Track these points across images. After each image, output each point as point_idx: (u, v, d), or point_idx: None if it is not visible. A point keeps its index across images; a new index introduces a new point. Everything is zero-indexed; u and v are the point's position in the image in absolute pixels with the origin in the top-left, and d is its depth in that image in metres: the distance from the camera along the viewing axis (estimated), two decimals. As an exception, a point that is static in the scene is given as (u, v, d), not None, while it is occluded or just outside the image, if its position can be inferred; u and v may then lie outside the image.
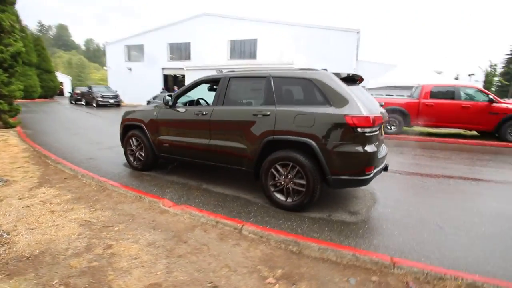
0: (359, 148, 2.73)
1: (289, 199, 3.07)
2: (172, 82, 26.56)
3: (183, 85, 20.94)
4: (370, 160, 2.76)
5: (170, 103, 3.88)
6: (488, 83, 23.15)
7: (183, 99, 4.45)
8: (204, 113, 3.58)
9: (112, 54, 26.81)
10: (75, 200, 3.08)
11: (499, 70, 27.77)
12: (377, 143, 2.95)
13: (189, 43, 23.07)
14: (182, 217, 2.72)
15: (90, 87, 19.65)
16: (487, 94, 8.10)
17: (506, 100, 8.42)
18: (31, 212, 2.70)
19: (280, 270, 1.93)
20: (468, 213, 3.11)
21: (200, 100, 4.60)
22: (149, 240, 2.25)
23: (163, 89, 18.24)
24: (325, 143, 2.77)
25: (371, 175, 2.83)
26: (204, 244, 2.23)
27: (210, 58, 21.31)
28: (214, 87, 4.63)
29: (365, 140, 2.74)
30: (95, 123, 11.05)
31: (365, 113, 2.71)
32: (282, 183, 3.08)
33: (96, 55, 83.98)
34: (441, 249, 2.31)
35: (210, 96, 4.12)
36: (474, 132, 9.17)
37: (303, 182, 2.94)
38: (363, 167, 2.75)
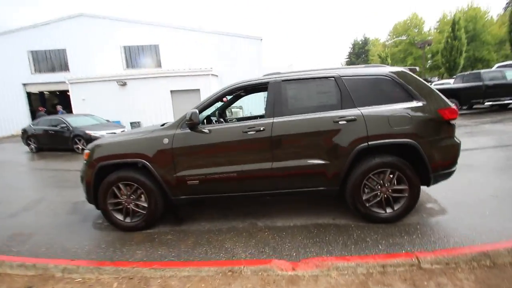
0: (454, 140, 2.72)
1: (388, 210, 2.72)
2: (39, 101, 20.14)
3: (57, 104, 16.13)
4: (459, 150, 2.79)
5: (196, 122, 2.70)
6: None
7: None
8: (261, 129, 2.69)
9: None
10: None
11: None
12: None
13: (63, 50, 18.21)
14: (328, 277, 1.88)
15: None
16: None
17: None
18: None
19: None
20: None
21: (212, 118, 3.52)
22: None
23: (40, 110, 13.39)
24: (425, 140, 2.60)
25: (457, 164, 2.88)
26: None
27: (99, 67, 17.49)
28: (242, 94, 3.72)
29: (454, 131, 2.75)
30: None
31: (451, 104, 2.71)
32: (379, 194, 2.70)
33: None
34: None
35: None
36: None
37: (403, 187, 2.67)
38: (457, 158, 2.75)
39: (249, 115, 17.49)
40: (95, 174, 2.89)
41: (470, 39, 31.80)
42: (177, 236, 2.77)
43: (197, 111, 2.71)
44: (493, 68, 13.97)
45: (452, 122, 2.69)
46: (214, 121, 3.68)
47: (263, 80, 2.90)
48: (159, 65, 18.29)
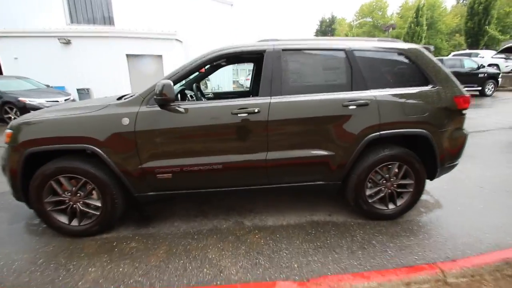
0: (463, 132, 2.49)
1: (391, 206, 2.47)
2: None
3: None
4: (466, 142, 2.59)
5: (170, 98, 2.01)
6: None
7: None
8: (255, 110, 2.12)
9: None
10: None
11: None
12: None
13: (-19, -7, 14.47)
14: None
15: None
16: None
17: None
18: None
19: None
20: None
21: (187, 92, 2.79)
22: None
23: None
24: (437, 131, 2.32)
25: (459, 156, 2.70)
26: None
27: (35, 20, 14.40)
28: (223, 64, 3.00)
29: (464, 121, 2.51)
30: None
31: (465, 92, 2.44)
32: (383, 189, 2.42)
33: None
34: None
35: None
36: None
37: (409, 182, 2.41)
38: (462, 150, 2.55)
39: (218, 90, 16.52)
40: (23, 163, 2.08)
41: (428, 26, 33.67)
42: (144, 244, 2.18)
43: (171, 83, 2.01)
44: (450, 56, 14.89)
45: (464, 112, 2.44)
46: (189, 96, 2.97)
47: (258, 48, 2.27)
48: (111, 23, 15.75)
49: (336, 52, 2.29)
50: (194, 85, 2.71)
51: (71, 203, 2.20)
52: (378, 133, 2.22)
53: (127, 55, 13.31)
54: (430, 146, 2.32)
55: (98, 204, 2.20)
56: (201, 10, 16.39)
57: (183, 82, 2.96)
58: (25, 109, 7.54)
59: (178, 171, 2.16)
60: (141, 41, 13.26)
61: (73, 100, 8.97)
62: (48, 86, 9.95)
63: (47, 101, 8.11)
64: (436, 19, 37.18)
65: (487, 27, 19.40)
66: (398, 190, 2.45)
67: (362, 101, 2.20)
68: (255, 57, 3.38)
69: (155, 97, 2.02)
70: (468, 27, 20.67)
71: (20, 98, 7.79)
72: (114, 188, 2.17)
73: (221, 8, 16.78)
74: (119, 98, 2.42)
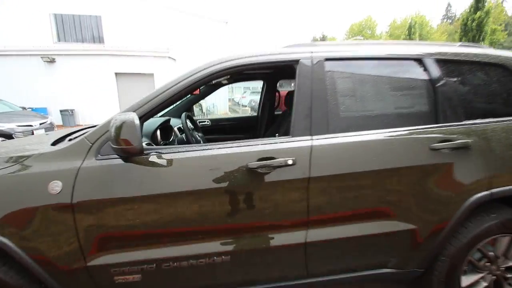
0: None
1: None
2: None
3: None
4: None
5: (137, 149, 1.11)
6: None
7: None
8: (288, 162, 1.22)
9: None
10: None
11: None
12: None
13: (-37, 11, 13.76)
14: None
15: None
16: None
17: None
18: None
19: None
20: None
21: (173, 123, 1.89)
22: None
23: None
24: None
25: None
26: None
27: (21, 38, 13.65)
28: (224, 82, 2.19)
29: None
30: None
31: None
32: (485, 276, 1.51)
33: None
34: None
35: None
36: None
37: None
38: None
39: (213, 109, 15.69)
40: None
41: (418, 44, 34.48)
42: None
43: (136, 120, 1.11)
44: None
45: None
46: (176, 130, 2.05)
47: (287, 56, 1.40)
48: (101, 41, 15.11)
49: (408, 63, 1.45)
50: (184, 114, 1.82)
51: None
52: (488, 191, 1.35)
53: (116, 74, 12.55)
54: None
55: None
56: (195, 27, 16.00)
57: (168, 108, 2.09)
58: (-10, 135, 6.53)
59: (153, 269, 1.23)
60: (131, 59, 12.57)
61: (51, 124, 8.00)
62: (24, 108, 8.98)
63: (19, 126, 7.13)
64: (425, 37, 38.22)
65: (482, 42, 19.51)
66: (508, 276, 1.54)
67: (460, 141, 1.34)
68: (267, 74, 2.55)
69: (112, 144, 1.12)
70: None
71: (-15, 123, 6.80)
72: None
73: (216, 25, 16.43)
74: (58, 141, 1.50)
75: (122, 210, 1.18)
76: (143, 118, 1.24)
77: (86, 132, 1.29)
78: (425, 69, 1.43)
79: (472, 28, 19.28)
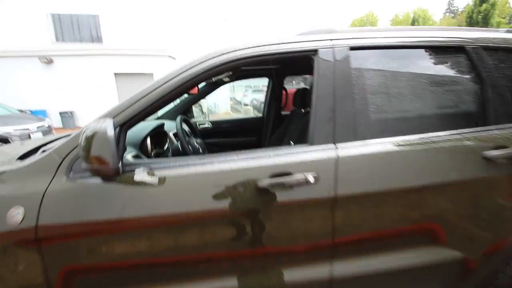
0: None
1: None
2: None
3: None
4: None
5: (111, 169, 0.86)
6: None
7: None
8: (308, 179, 0.97)
9: None
10: None
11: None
12: None
13: (-40, 13, 13.58)
14: None
15: None
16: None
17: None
18: None
19: None
20: None
21: (167, 128, 1.64)
22: None
23: None
24: None
25: None
26: None
27: (18, 39, 13.46)
28: (225, 80, 1.96)
29: None
30: None
31: None
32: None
33: None
34: None
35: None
36: None
37: None
38: None
39: (214, 109, 15.42)
40: None
41: (421, 38, 33.99)
42: None
43: (108, 128, 0.85)
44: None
45: None
46: (172, 135, 1.79)
47: (302, 45, 1.13)
48: (99, 41, 14.89)
49: (449, 52, 1.19)
50: (179, 117, 1.57)
51: None
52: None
53: (116, 74, 12.34)
54: None
55: None
56: (195, 25, 15.72)
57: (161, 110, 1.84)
58: (-15, 139, 6.33)
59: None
60: (130, 59, 12.35)
61: (49, 127, 7.79)
62: (21, 111, 8.79)
63: (15, 130, 6.92)
64: (428, 31, 37.83)
65: (488, 36, 19.10)
66: None
67: (520, 147, 1.08)
68: (272, 70, 2.29)
69: (85, 161, 0.87)
70: (468, 37, 20.34)
71: (-20, 126, 6.60)
72: None
73: (215, 23, 16.14)
74: (30, 153, 1.26)
75: (96, 239, 0.94)
76: (126, 125, 0.99)
77: (50, 148, 1.05)
78: (470, 60, 1.17)
79: (477, 21, 18.85)
